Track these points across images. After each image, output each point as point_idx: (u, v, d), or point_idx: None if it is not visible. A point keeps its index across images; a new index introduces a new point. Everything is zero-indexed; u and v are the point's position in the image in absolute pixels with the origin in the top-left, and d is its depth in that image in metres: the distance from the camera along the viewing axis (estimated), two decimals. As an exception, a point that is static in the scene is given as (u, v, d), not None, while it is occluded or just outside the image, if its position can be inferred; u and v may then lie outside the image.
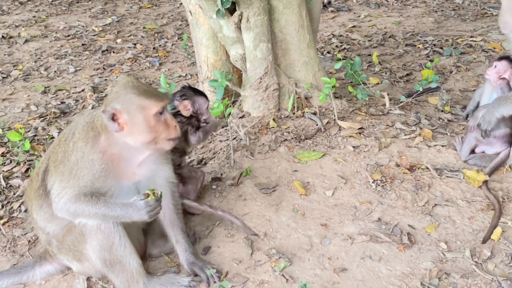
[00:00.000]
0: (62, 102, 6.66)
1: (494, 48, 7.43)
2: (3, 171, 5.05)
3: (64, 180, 3.33)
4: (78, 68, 7.80)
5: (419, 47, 7.83)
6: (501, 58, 4.90)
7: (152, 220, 3.76)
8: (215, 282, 3.49)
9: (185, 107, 4.07)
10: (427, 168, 4.50)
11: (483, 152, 4.61)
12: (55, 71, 7.67)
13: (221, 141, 5.09)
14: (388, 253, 3.71)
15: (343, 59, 5.53)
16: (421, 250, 3.74)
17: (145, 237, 3.86)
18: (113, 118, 3.22)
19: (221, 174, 4.60)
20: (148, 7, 10.88)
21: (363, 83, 5.53)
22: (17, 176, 4.98)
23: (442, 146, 4.75)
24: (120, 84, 3.35)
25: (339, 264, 3.64)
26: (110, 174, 3.32)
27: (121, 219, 3.31)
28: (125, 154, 3.35)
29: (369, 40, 8.34)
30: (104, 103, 3.35)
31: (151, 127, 3.26)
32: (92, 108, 6.40)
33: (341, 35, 8.66)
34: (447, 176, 4.40)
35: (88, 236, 3.37)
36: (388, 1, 10.39)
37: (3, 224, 4.36)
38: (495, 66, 4.84)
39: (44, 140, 5.62)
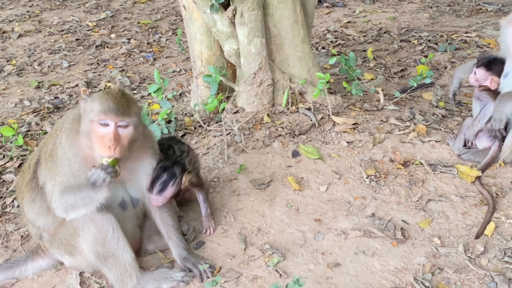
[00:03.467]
0: (55, 97, 6.63)
1: (489, 44, 7.44)
2: (-4, 166, 5.04)
3: (53, 178, 3.36)
4: (72, 63, 7.77)
5: (414, 43, 7.83)
6: (479, 65, 4.65)
7: (147, 217, 3.78)
8: (208, 277, 3.49)
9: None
10: (421, 163, 4.50)
11: (474, 146, 4.60)
12: (48, 66, 7.65)
13: (215, 136, 5.08)
14: (381, 248, 3.71)
15: (338, 55, 5.52)
16: (414, 245, 3.74)
17: (141, 233, 3.85)
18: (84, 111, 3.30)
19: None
20: (142, 2, 10.85)
21: (357, 78, 5.53)
22: (10, 171, 4.96)
23: (436, 141, 4.75)
24: (112, 88, 3.37)
25: (333, 259, 3.64)
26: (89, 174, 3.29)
27: (93, 199, 3.28)
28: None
29: (364, 36, 8.33)
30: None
31: (87, 132, 3.25)
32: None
33: (336, 31, 8.65)
34: (440, 172, 4.40)
35: (80, 229, 3.37)
36: (383, -3, 10.40)
37: (-5, 219, 4.35)
38: (475, 73, 4.66)
39: (37, 135, 5.61)
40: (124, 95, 3.30)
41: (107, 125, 3.19)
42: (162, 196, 3.59)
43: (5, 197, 4.62)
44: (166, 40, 8.73)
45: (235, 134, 4.92)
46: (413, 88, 5.67)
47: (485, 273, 3.46)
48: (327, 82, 4.96)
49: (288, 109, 5.18)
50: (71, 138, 3.33)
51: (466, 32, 8.00)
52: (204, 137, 5.14)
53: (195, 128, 5.36)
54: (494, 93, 4.57)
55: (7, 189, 4.73)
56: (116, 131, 3.20)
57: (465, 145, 4.62)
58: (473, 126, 4.58)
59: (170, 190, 3.60)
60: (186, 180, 3.72)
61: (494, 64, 4.59)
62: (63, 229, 3.44)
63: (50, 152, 3.39)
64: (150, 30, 9.23)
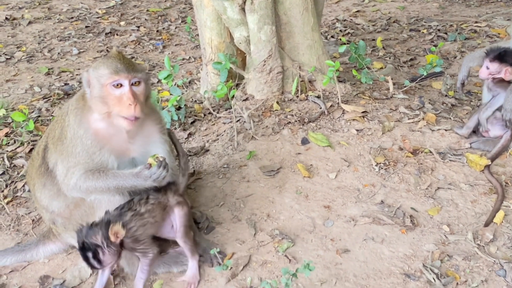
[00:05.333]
0: (65, 84, 6.66)
1: (499, 33, 7.40)
2: (7, 151, 5.06)
3: (65, 160, 3.35)
4: (81, 50, 7.79)
5: (423, 32, 7.80)
6: (492, 58, 4.55)
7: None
8: (218, 262, 3.51)
9: None
10: (430, 151, 4.50)
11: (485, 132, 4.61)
12: (58, 53, 7.66)
13: (224, 123, 5.09)
14: (390, 235, 3.73)
15: (347, 43, 5.50)
16: (423, 232, 3.75)
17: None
18: (88, 83, 3.29)
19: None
20: (152, -10, 10.83)
21: (367, 67, 5.53)
22: (21, 156, 4.99)
23: (446, 130, 4.75)
24: (111, 51, 3.38)
25: (342, 245, 3.66)
26: (103, 150, 3.32)
27: (134, 188, 3.32)
28: (108, 128, 3.34)
29: (373, 25, 8.31)
30: None
31: (103, 98, 3.25)
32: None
33: (345, 20, 8.63)
34: (450, 160, 4.41)
35: (97, 209, 3.38)
36: (392, -14, 10.35)
37: (7, 203, 4.38)
38: (487, 67, 4.57)
39: (47, 121, 5.63)
40: (125, 56, 3.33)
41: (121, 85, 3.21)
42: (107, 266, 3.18)
43: (16, 182, 4.65)
44: (176, 28, 8.73)
45: (244, 121, 4.93)
46: (423, 77, 5.67)
47: (494, 261, 3.48)
48: (336, 70, 4.95)
49: (297, 96, 5.18)
50: (79, 116, 3.34)
51: (476, 22, 7.96)
52: (214, 124, 5.16)
53: (204, 115, 5.37)
54: (507, 83, 4.56)
55: (18, 173, 4.76)
56: (131, 88, 3.23)
57: (474, 132, 4.62)
58: (482, 112, 4.58)
59: (107, 258, 3.11)
60: (116, 232, 3.10)
61: (506, 56, 4.56)
62: (80, 209, 3.46)
63: (59, 136, 3.40)
64: (160, 18, 9.23)
